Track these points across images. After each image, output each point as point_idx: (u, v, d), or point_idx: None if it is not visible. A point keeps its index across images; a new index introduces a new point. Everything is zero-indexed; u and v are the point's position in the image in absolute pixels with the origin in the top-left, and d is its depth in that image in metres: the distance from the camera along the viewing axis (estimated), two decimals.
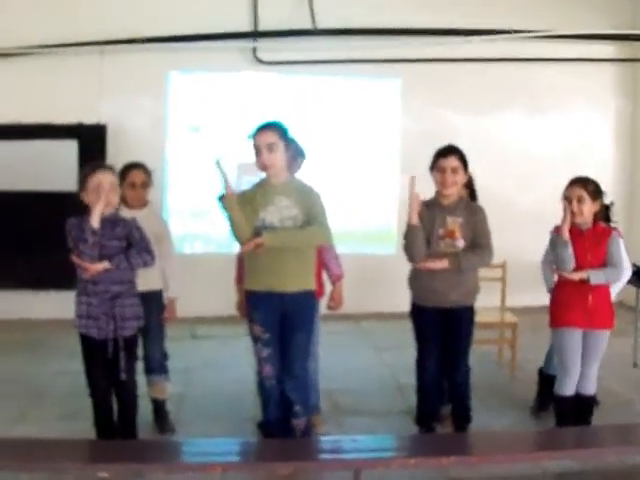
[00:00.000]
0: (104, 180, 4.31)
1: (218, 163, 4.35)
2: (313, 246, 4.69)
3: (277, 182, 4.55)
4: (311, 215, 4.49)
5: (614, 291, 5.25)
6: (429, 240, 4.79)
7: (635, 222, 8.80)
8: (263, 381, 4.63)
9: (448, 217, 4.80)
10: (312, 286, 4.70)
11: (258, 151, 4.49)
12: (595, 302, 4.83)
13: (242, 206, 4.46)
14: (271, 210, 4.50)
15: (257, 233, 4.43)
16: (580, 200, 4.77)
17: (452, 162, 4.79)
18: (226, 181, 4.35)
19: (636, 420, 5.45)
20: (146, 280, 4.73)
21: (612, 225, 4.99)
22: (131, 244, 4.42)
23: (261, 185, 4.62)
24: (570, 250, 4.74)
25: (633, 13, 8.83)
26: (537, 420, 5.48)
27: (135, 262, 4.39)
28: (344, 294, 5.28)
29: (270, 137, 4.47)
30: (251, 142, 4.52)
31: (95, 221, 4.21)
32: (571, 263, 4.77)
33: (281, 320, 4.58)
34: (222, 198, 4.39)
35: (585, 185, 4.81)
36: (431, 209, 4.84)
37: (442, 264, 4.73)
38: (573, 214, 4.77)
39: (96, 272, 4.26)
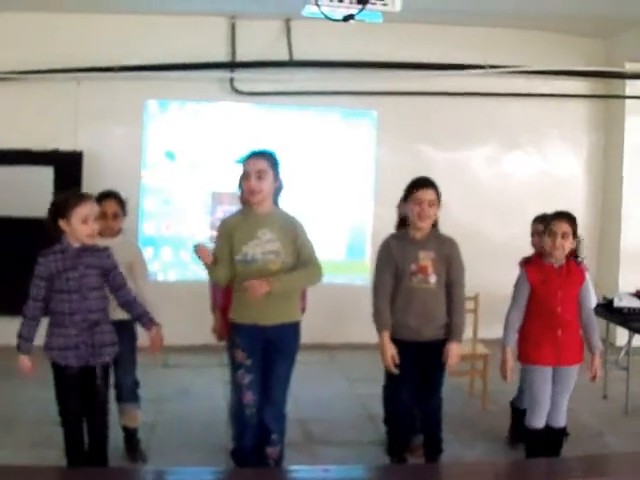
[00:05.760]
0: (94, 210, 4.36)
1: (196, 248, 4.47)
2: (312, 285, 4.75)
3: (261, 212, 4.55)
4: (302, 253, 4.52)
5: None
6: (401, 276, 4.74)
7: (606, 256, 8.90)
8: (242, 408, 4.57)
9: (420, 252, 4.74)
10: (297, 318, 4.70)
11: (247, 176, 4.49)
12: (564, 337, 4.81)
13: (223, 240, 4.53)
14: (253, 244, 4.49)
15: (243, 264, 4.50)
16: (564, 236, 4.73)
17: (429, 195, 4.73)
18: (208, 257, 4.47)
19: (606, 451, 5.47)
20: (117, 309, 4.65)
21: (579, 260, 5.03)
22: (107, 274, 4.42)
23: (245, 215, 4.63)
24: None
25: (606, 50, 8.99)
26: (511, 451, 5.47)
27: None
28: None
29: (261, 164, 4.48)
30: (239, 167, 4.55)
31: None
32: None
33: (264, 348, 4.56)
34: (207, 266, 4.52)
35: (572, 222, 4.78)
36: (402, 243, 4.80)
37: None
38: (555, 248, 4.74)
39: None
